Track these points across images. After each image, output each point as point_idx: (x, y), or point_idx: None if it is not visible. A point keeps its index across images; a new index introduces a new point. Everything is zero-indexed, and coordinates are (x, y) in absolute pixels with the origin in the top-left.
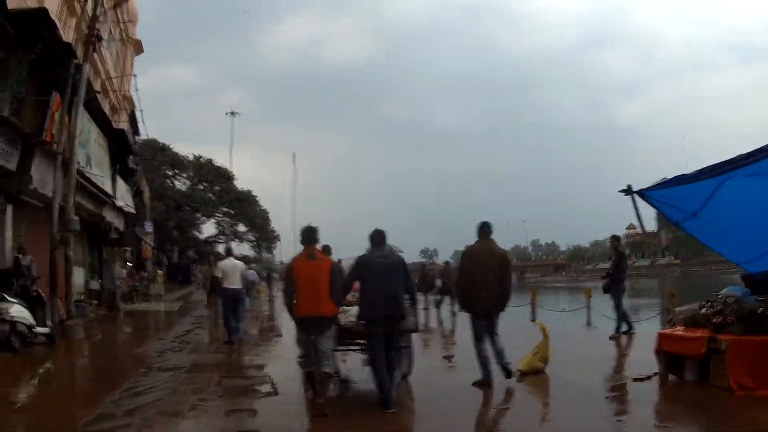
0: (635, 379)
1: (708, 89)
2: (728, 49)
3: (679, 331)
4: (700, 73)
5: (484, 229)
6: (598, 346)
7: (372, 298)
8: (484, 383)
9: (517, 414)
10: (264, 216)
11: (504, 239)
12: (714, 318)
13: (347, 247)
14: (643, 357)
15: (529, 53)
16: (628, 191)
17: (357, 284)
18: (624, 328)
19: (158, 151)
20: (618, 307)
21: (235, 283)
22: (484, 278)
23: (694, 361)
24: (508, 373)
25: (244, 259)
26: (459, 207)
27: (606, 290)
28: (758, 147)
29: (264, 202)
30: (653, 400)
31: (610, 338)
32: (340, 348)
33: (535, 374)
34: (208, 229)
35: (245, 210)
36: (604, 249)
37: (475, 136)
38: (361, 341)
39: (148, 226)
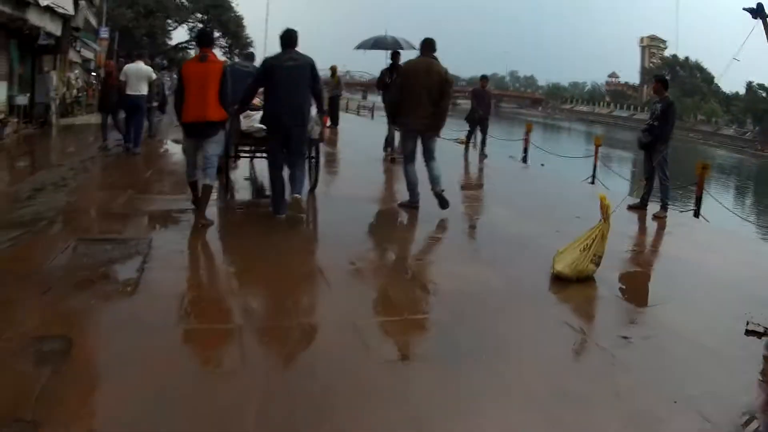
0: (749, 332)
1: None
2: None
3: None
4: None
5: (427, 44)
6: (648, 233)
7: (275, 105)
8: (411, 205)
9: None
10: (238, 22)
11: (485, 66)
12: None
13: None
14: (739, 272)
15: None
16: (757, 12)
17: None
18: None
19: None
20: (664, 177)
21: (138, 90)
22: (419, 96)
23: None
24: (442, 202)
25: None
26: (451, 33)
27: (645, 147)
28: None
29: (243, 9)
30: None
31: (655, 217)
32: (245, 155)
33: (581, 282)
34: (181, 35)
35: (219, 15)
36: (581, 91)
37: None
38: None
39: (103, 32)
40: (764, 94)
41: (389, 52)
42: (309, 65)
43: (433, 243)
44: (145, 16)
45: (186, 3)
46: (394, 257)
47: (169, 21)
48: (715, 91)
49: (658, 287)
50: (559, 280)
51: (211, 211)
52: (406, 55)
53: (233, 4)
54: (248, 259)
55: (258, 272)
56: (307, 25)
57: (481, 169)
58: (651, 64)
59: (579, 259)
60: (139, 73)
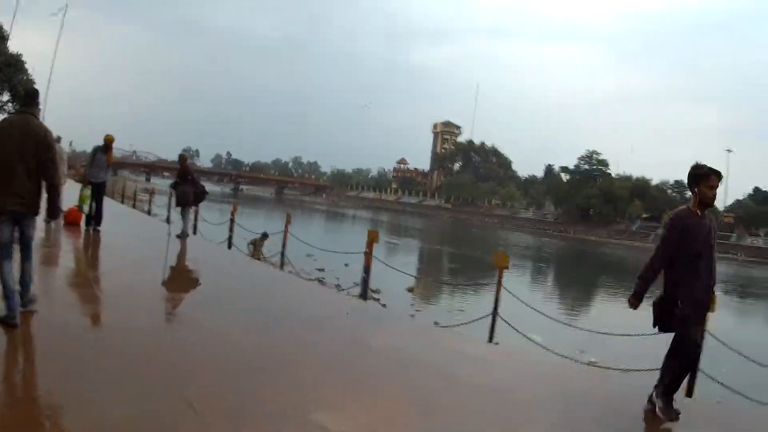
0: None
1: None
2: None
3: None
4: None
5: (26, 96)
6: None
7: None
8: (6, 321)
9: None
10: (29, 87)
11: (268, 152)
12: None
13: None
14: None
15: None
16: None
17: None
18: None
19: None
20: None
21: None
22: (12, 166)
23: None
24: (12, 323)
25: None
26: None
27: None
28: None
29: (37, 76)
30: None
31: None
32: None
33: None
34: None
35: (11, 77)
36: (366, 177)
37: (272, 48)
38: None
39: None
40: (566, 177)
41: None
42: (41, 134)
43: None
44: None
45: None
46: None
47: None
48: (512, 175)
49: None
50: None
51: None
52: None
53: (28, 68)
54: None
55: None
56: (99, 96)
57: None
58: (443, 150)
59: None
60: None
